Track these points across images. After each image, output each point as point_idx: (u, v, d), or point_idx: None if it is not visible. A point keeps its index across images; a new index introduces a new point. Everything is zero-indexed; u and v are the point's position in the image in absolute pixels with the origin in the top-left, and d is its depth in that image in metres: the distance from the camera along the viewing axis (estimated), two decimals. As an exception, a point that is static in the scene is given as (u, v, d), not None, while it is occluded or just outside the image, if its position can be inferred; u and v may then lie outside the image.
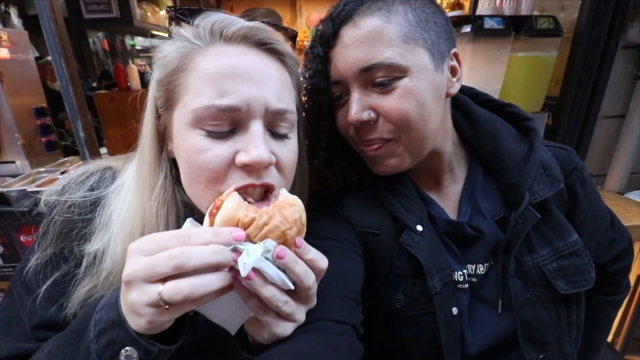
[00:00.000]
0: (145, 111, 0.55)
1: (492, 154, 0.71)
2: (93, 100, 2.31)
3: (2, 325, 0.57)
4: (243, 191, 0.49)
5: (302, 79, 0.67)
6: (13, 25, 2.55)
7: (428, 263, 0.64)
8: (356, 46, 0.59)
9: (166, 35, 0.55)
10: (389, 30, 0.58)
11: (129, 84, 2.45)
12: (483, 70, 1.51)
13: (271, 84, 0.50)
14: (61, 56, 1.56)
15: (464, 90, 0.77)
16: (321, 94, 0.65)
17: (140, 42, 4.56)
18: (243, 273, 0.39)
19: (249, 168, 0.48)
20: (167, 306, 0.37)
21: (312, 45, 0.65)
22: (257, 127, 0.49)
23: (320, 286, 0.48)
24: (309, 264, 0.45)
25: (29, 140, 1.87)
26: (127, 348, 0.40)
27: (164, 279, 0.38)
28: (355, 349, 0.51)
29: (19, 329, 0.56)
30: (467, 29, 1.46)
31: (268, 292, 0.42)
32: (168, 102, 0.52)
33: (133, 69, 2.46)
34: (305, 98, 0.68)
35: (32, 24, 2.19)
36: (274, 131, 0.52)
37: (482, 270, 0.70)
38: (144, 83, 2.45)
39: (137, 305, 0.38)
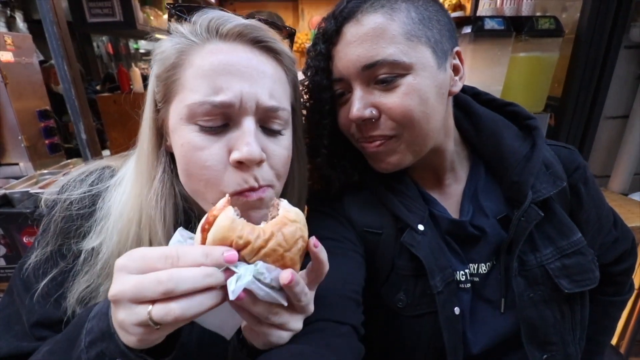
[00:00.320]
0: (145, 105, 0.56)
1: (494, 153, 0.71)
2: (96, 103, 2.33)
3: (2, 324, 0.57)
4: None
5: (304, 76, 0.67)
6: (18, 29, 2.57)
7: (430, 262, 0.64)
8: (359, 43, 0.59)
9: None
10: (391, 28, 0.58)
11: (132, 86, 2.47)
12: (484, 71, 1.51)
13: (264, 81, 0.50)
14: (64, 59, 1.57)
15: (465, 89, 0.77)
16: (323, 91, 0.65)
17: (143, 45, 4.59)
18: (232, 297, 0.36)
19: (242, 165, 0.49)
20: (157, 326, 0.35)
21: (315, 42, 0.65)
22: (248, 124, 0.49)
23: (320, 286, 0.47)
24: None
25: (32, 142, 1.89)
26: None
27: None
28: (355, 349, 0.50)
29: (18, 327, 0.56)
30: (467, 29, 1.46)
31: (259, 309, 0.40)
32: (166, 96, 0.52)
33: (136, 72, 2.48)
34: (307, 96, 0.68)
35: (36, 28, 2.21)
36: (266, 127, 0.53)
37: (484, 270, 0.69)
38: (147, 86, 2.45)
39: (126, 324, 0.36)
